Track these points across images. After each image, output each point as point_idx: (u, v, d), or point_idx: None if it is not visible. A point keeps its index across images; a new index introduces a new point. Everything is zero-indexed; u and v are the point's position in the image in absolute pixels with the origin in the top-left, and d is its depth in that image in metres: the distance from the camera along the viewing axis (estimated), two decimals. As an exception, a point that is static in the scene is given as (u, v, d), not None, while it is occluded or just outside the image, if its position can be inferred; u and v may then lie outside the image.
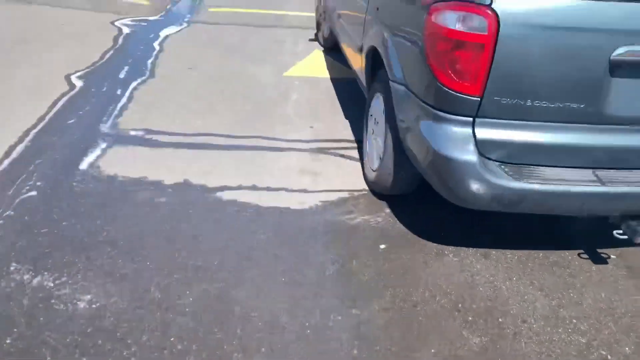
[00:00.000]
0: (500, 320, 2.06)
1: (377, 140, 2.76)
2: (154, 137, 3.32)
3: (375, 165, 2.76)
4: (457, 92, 1.98)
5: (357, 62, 3.29)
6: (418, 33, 2.16)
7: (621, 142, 2.05)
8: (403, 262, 2.34)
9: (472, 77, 1.93)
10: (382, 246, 2.43)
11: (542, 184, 1.98)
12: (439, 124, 2.08)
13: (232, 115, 3.68)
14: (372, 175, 2.83)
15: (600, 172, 2.05)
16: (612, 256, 2.45)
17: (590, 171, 2.06)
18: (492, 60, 1.89)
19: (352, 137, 3.49)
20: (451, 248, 2.45)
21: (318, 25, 5.42)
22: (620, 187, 1.99)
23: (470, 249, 2.45)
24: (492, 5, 1.84)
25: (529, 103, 1.95)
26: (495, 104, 1.96)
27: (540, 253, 2.45)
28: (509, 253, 2.44)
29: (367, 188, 2.91)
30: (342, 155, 3.26)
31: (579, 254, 2.45)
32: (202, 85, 4.15)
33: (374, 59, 2.90)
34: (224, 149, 3.25)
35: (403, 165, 2.51)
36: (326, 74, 4.61)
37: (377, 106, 2.81)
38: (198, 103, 3.84)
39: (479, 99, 1.96)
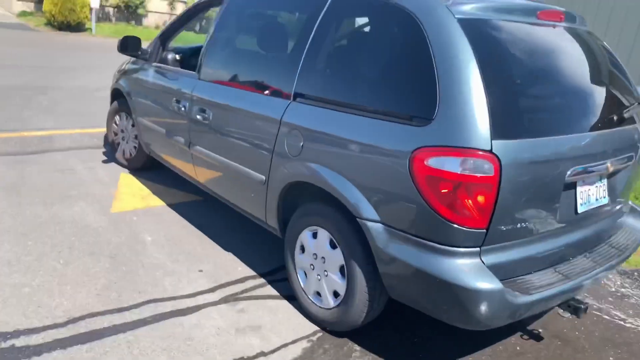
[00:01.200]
0: None
1: (327, 276, 2.64)
2: (17, 341, 2.39)
3: (332, 303, 2.63)
4: (465, 227, 2.11)
5: (251, 194, 3.08)
6: (395, 174, 2.22)
7: (566, 240, 2.49)
8: (422, 401, 2.28)
9: (481, 212, 2.10)
10: (394, 392, 2.32)
11: (539, 292, 2.25)
12: (446, 258, 2.15)
13: (96, 282, 2.93)
14: (326, 314, 2.67)
15: (558, 269, 2.45)
16: (540, 330, 2.90)
17: (552, 270, 2.44)
18: (497, 197, 2.10)
19: (252, 272, 3.21)
20: (442, 369, 2.51)
21: (114, 145, 4.80)
22: (577, 278, 2.42)
23: (454, 363, 2.56)
24: (493, 150, 2.07)
25: (519, 225, 2.22)
26: (498, 231, 2.16)
27: (499, 346, 2.72)
28: (482, 356, 2.63)
29: (316, 328, 2.73)
30: (262, 297, 2.96)
31: (521, 336, 2.82)
32: (20, 251, 3.17)
33: (295, 194, 2.81)
34: (123, 329, 2.56)
35: (379, 298, 2.50)
36: (160, 201, 4.10)
37: (313, 241, 2.70)
38: (36, 276, 2.92)
39: (485, 230, 2.14)
